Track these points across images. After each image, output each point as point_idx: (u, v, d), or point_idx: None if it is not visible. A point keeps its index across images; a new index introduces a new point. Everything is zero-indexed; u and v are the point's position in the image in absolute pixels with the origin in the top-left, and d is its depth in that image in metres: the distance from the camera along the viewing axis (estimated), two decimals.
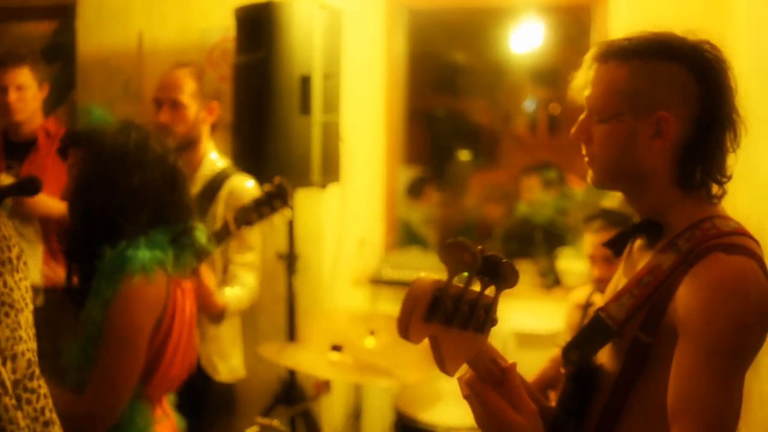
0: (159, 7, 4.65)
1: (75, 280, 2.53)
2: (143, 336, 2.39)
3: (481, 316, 1.42)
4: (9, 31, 5.02)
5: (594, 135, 1.76)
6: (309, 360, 3.40)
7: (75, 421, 2.24)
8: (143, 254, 2.39)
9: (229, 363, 3.72)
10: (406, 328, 1.35)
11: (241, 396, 3.91)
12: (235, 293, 3.47)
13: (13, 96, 3.95)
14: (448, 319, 1.38)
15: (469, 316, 1.40)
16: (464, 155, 6.62)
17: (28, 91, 3.99)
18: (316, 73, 3.80)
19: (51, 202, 3.67)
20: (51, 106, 4.46)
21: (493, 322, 1.45)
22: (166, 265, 2.44)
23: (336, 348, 3.36)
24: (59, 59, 4.69)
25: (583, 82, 1.78)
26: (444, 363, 1.41)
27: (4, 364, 1.25)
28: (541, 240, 5.07)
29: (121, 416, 2.40)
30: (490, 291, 1.42)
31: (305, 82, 3.77)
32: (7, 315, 1.28)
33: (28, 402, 1.30)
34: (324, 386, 3.38)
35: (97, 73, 4.67)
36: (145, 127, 2.61)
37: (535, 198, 5.52)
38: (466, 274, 1.36)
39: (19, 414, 1.26)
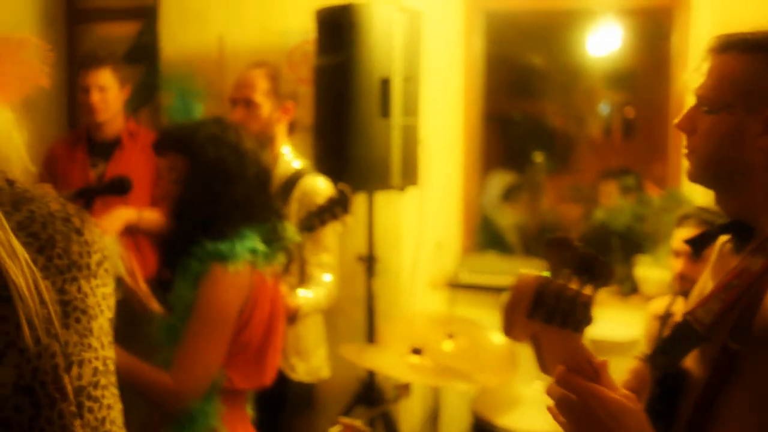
0: (239, 9, 4.71)
1: (165, 274, 2.64)
2: (230, 318, 2.48)
3: (579, 315, 1.40)
4: (92, 32, 5.10)
5: (699, 126, 1.69)
6: (389, 362, 3.40)
7: (159, 395, 2.42)
8: (236, 246, 2.50)
9: (308, 362, 3.74)
10: (510, 324, 1.35)
11: (320, 395, 3.95)
12: (310, 294, 3.48)
13: (95, 97, 4.07)
14: (549, 317, 1.36)
15: (569, 313, 1.38)
16: (539, 158, 6.56)
17: (109, 92, 4.10)
18: (396, 75, 3.81)
19: (126, 214, 3.60)
20: (135, 107, 4.53)
21: (589, 321, 1.43)
22: (256, 260, 2.54)
23: (416, 351, 3.35)
24: (143, 61, 4.76)
25: (696, 74, 1.72)
26: (545, 362, 1.39)
27: (69, 369, 1.24)
28: (618, 247, 5.01)
29: (196, 408, 2.47)
30: (587, 289, 1.41)
31: (385, 84, 3.78)
32: (77, 321, 1.26)
33: (90, 410, 1.28)
34: (405, 389, 3.38)
35: None
36: (238, 129, 2.69)
37: (613, 204, 5.45)
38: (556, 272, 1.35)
39: (77, 422, 1.25)
